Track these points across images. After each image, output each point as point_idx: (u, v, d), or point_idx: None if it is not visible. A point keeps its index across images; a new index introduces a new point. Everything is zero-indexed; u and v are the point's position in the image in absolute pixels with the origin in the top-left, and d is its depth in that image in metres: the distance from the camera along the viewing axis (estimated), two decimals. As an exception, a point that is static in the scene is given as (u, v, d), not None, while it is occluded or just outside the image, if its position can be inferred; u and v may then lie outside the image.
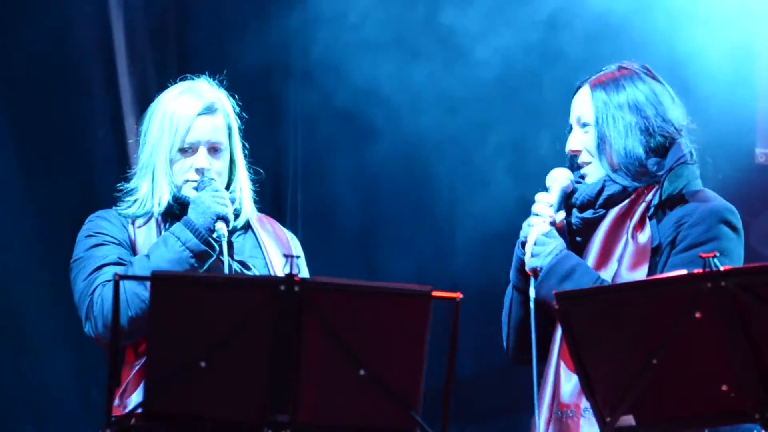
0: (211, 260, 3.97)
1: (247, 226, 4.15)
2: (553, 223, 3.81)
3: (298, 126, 5.94)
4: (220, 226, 3.94)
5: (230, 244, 4.02)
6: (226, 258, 3.95)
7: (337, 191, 5.80)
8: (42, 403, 5.51)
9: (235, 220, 4.03)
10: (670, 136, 3.81)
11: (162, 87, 4.14)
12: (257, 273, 4.00)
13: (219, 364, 2.95)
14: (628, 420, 2.99)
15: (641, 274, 3.67)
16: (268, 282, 3.01)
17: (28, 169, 5.51)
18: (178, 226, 3.96)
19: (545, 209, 3.83)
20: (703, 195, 3.81)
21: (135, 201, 4.07)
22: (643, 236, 3.72)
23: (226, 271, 3.93)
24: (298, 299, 2.92)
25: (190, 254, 3.91)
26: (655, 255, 3.74)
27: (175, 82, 4.15)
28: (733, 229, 3.75)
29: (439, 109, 5.79)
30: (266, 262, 4.06)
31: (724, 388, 2.91)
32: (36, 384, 5.52)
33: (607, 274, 3.72)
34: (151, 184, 4.05)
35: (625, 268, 3.70)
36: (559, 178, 3.87)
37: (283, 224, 4.34)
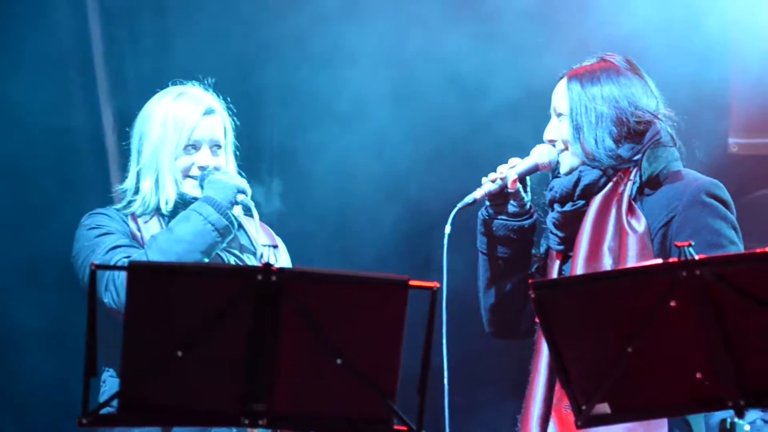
0: (230, 236, 4.10)
1: (239, 225, 4.24)
2: (503, 185, 3.96)
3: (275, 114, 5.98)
4: (242, 197, 4.09)
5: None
6: (257, 223, 4.07)
7: (314, 180, 5.83)
8: (20, 393, 5.51)
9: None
10: (645, 122, 3.88)
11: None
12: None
13: (196, 354, 2.95)
14: (604, 408, 3.00)
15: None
16: (246, 271, 3.02)
17: (5, 164, 5.50)
18: (198, 203, 4.09)
19: (505, 168, 3.97)
20: (684, 175, 3.88)
21: (135, 200, 4.20)
22: (639, 225, 3.79)
23: (258, 249, 4.07)
24: (275, 288, 2.93)
25: (212, 227, 4.02)
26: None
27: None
28: (723, 203, 3.82)
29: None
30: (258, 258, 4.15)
31: (699, 375, 2.93)
32: (15, 374, 5.52)
33: (600, 266, 3.78)
34: (154, 183, 4.18)
35: (631, 260, 3.75)
36: (539, 151, 4.02)
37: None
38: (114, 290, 3.98)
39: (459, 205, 3.96)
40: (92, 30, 5.63)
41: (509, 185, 3.98)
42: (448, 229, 3.90)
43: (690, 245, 2.89)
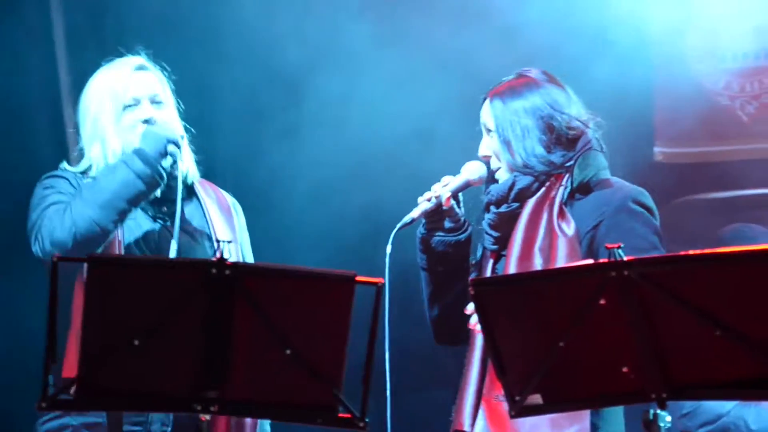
0: (159, 188, 4.10)
1: (192, 193, 4.30)
2: (439, 203, 4.08)
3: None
4: (173, 149, 4.09)
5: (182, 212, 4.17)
6: (180, 178, 4.08)
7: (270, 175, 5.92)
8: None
9: (183, 186, 4.15)
10: (576, 129, 4.05)
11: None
12: (206, 249, 4.22)
13: (152, 343, 3.06)
14: (536, 399, 3.13)
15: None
16: (200, 265, 3.12)
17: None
18: (127, 155, 4.09)
19: (438, 187, 4.10)
20: (613, 182, 4.05)
21: (90, 167, 4.19)
22: (569, 228, 3.95)
23: (179, 206, 4.08)
24: (229, 282, 3.05)
25: (137, 177, 4.03)
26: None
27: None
28: (648, 210, 3.99)
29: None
30: (213, 241, 4.23)
31: (625, 369, 3.06)
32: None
33: (531, 265, 3.94)
34: (102, 147, 4.19)
35: (561, 260, 3.91)
36: (469, 168, 4.16)
37: None
38: (41, 239, 4.02)
39: (398, 226, 4.05)
40: (54, 20, 5.67)
41: (444, 203, 4.10)
42: (389, 248, 4.02)
43: (620, 247, 3.04)
